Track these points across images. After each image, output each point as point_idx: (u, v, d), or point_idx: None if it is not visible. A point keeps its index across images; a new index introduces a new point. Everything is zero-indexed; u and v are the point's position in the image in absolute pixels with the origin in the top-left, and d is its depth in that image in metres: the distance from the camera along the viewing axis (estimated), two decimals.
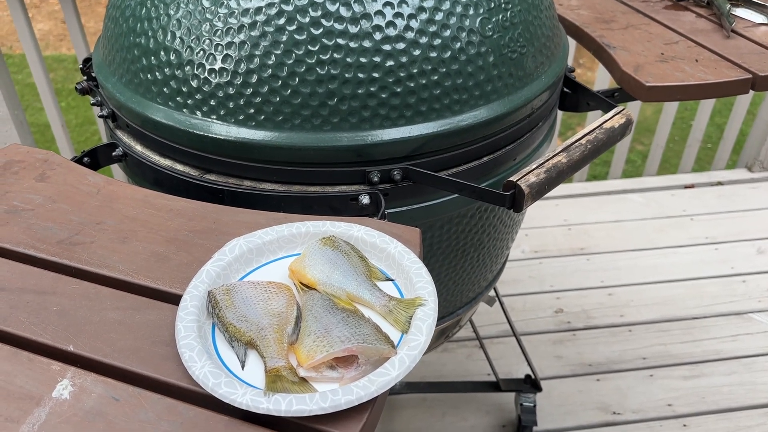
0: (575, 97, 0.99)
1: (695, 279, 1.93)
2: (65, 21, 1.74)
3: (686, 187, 2.28)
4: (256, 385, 0.52)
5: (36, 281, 0.62)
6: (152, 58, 0.79)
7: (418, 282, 0.59)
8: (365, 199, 0.77)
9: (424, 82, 0.75)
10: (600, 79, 2.08)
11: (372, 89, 0.74)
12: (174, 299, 0.60)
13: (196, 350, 0.53)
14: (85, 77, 0.97)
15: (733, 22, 1.06)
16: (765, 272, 1.94)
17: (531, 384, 1.50)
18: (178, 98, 0.77)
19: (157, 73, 0.78)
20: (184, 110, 0.77)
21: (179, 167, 0.81)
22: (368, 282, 0.60)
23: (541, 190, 0.74)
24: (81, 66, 0.98)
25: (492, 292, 1.31)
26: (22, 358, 0.55)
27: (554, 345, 1.75)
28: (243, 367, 0.54)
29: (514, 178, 0.73)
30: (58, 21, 4.41)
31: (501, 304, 1.40)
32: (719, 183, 2.29)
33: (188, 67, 0.76)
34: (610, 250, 2.03)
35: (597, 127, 0.81)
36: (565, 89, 0.99)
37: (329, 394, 0.49)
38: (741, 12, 1.12)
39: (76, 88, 0.94)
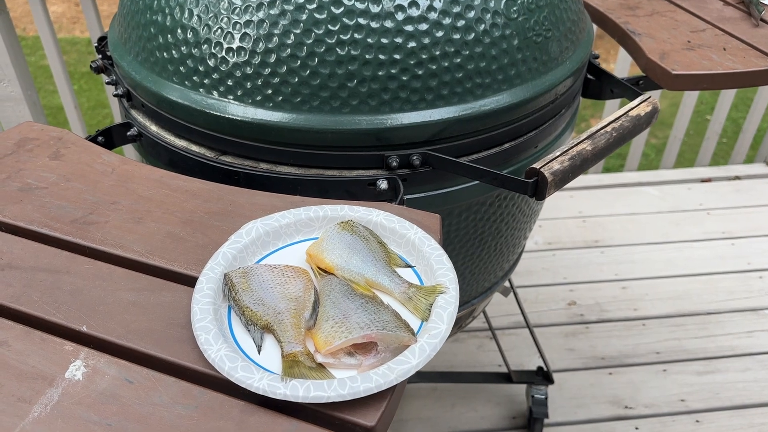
0: (599, 84, 0.96)
1: (711, 274, 1.90)
2: (80, 3, 1.72)
3: (703, 181, 2.25)
4: (273, 370, 0.51)
5: (49, 260, 0.61)
6: (169, 36, 0.77)
7: (439, 269, 0.58)
8: (383, 184, 0.75)
9: (446, 64, 0.73)
10: (618, 71, 2.05)
11: (393, 71, 0.72)
12: (189, 281, 0.59)
13: (212, 333, 0.52)
14: (100, 56, 0.95)
15: (762, 11, 1.03)
16: None
17: (543, 376, 1.48)
18: (194, 77, 0.76)
19: (173, 52, 0.77)
20: (201, 90, 0.76)
21: (195, 148, 0.80)
22: (387, 268, 0.59)
23: (564, 178, 0.72)
24: (96, 45, 0.97)
25: (507, 283, 1.29)
26: (34, 338, 0.54)
27: (566, 338, 1.73)
28: (259, 351, 0.53)
29: (537, 165, 0.71)
30: (71, 4, 4.40)
31: (515, 295, 1.39)
32: (737, 177, 2.26)
33: (205, 45, 0.74)
34: (625, 243, 2.01)
35: (623, 114, 0.79)
36: (589, 76, 0.97)
37: (348, 381, 0.48)
38: None
39: (91, 66, 0.93)
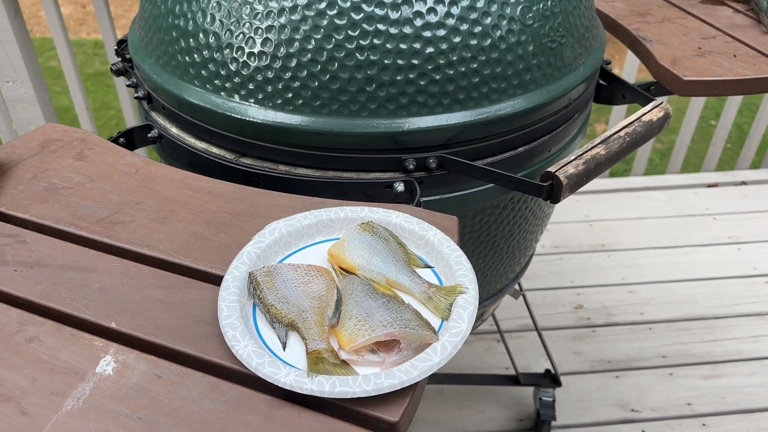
0: (611, 90, 0.98)
1: (717, 279, 1.91)
2: (87, 5, 1.74)
3: (709, 186, 2.26)
4: (298, 367, 0.52)
5: (77, 258, 0.63)
6: (191, 40, 0.79)
7: (459, 269, 0.59)
8: (400, 187, 0.77)
9: (463, 69, 0.75)
10: (625, 77, 2.06)
11: (411, 76, 0.74)
12: (214, 279, 0.61)
13: (239, 330, 0.53)
14: (120, 59, 0.97)
15: None
16: None
17: (551, 379, 1.49)
18: (216, 81, 0.77)
19: (195, 56, 0.78)
20: (222, 93, 0.77)
21: (215, 150, 0.81)
22: (408, 268, 0.60)
23: (579, 181, 0.74)
24: (116, 47, 0.99)
25: (516, 286, 1.30)
26: (65, 334, 0.56)
27: (573, 341, 1.74)
28: (284, 348, 0.54)
29: (552, 169, 0.73)
30: (78, 5, 4.43)
31: (524, 298, 1.40)
32: (743, 182, 2.27)
33: (227, 50, 0.76)
34: (632, 247, 2.02)
35: (636, 119, 0.81)
36: (601, 81, 0.98)
37: (372, 377, 0.49)
38: None
39: (111, 69, 0.94)
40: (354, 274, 0.60)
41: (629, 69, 2.02)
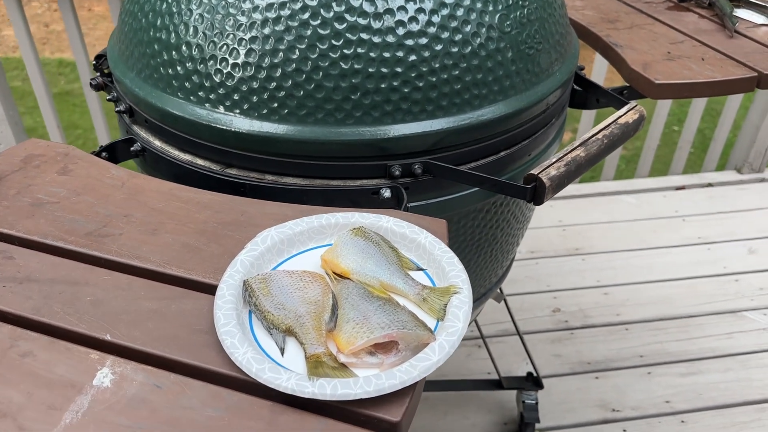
0: (585, 94, 1.00)
1: (689, 278, 1.96)
2: (64, 22, 1.73)
3: (678, 188, 2.31)
4: (297, 372, 0.53)
5: (67, 272, 0.62)
6: (174, 53, 0.79)
7: (451, 271, 0.60)
8: (386, 193, 0.78)
9: (445, 76, 0.76)
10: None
11: (395, 84, 0.75)
12: (208, 289, 0.61)
13: (237, 337, 0.54)
14: (98, 73, 0.97)
15: (736, 23, 1.09)
16: (757, 271, 1.97)
17: (533, 381, 1.51)
18: (200, 93, 0.78)
19: (178, 68, 0.79)
20: (207, 105, 0.78)
21: (200, 162, 0.82)
22: (401, 271, 0.61)
23: (560, 183, 0.75)
24: (94, 62, 0.98)
25: (498, 290, 1.32)
26: (59, 348, 0.55)
27: (552, 344, 1.76)
28: (282, 353, 0.54)
29: (535, 171, 0.75)
30: (40, 24, 4.37)
31: (505, 302, 1.42)
32: (709, 184, 2.33)
33: (211, 61, 0.76)
34: (605, 250, 2.05)
35: (612, 122, 0.83)
36: (576, 86, 1.01)
37: (372, 379, 0.50)
38: (741, 13, 1.14)
39: (90, 84, 0.94)
40: (348, 278, 0.61)
41: (596, 77, 2.07)
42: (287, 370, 0.51)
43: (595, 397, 1.62)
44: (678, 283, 1.94)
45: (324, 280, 0.60)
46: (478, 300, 1.08)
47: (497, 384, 1.52)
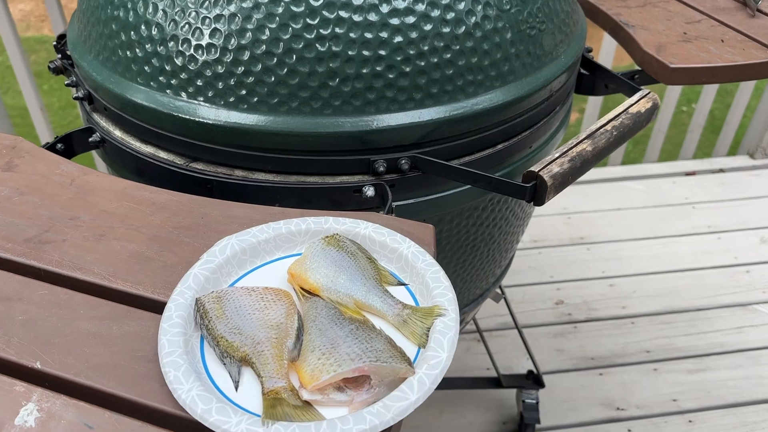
0: (592, 79, 0.92)
1: (698, 269, 1.87)
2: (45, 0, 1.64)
3: (687, 174, 2.22)
4: (253, 410, 0.45)
5: None
6: (132, 33, 0.70)
7: (436, 288, 0.52)
8: (369, 191, 0.70)
9: (435, 60, 0.68)
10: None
11: (378, 68, 0.66)
12: (157, 307, 0.53)
13: (182, 369, 0.46)
14: (59, 55, 0.88)
15: (759, 1, 0.99)
16: None
17: (534, 380, 1.44)
18: (160, 78, 0.69)
19: (137, 50, 0.70)
20: (168, 91, 0.69)
21: (163, 155, 0.73)
22: (378, 287, 0.53)
23: (564, 181, 0.67)
24: (55, 43, 0.90)
25: (498, 289, 1.24)
26: None
27: (555, 338, 1.69)
28: (237, 388, 0.47)
29: (535, 168, 0.66)
30: (39, 1, 4.26)
31: (504, 297, 1.34)
32: (721, 170, 2.24)
33: (172, 42, 0.68)
34: (611, 239, 1.97)
35: (622, 111, 0.74)
36: (582, 71, 0.92)
37: (338, 423, 0.42)
38: None
39: (49, 67, 0.86)
40: (318, 295, 0.53)
41: (604, 59, 1.97)
42: (239, 411, 0.44)
43: (599, 395, 1.55)
44: (687, 275, 1.86)
45: (289, 299, 0.52)
46: (475, 301, 1.00)
47: (496, 382, 1.45)
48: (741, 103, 2.19)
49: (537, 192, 0.67)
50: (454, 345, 0.48)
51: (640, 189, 2.16)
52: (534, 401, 1.42)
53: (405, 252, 0.56)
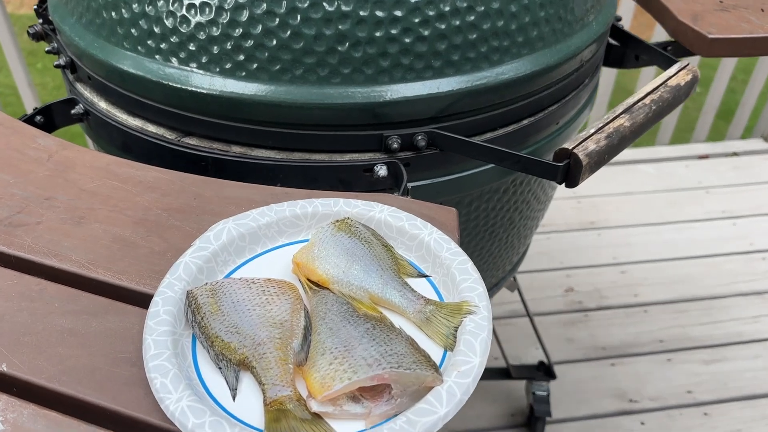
0: (622, 50, 0.84)
1: (713, 256, 1.81)
2: None
3: (700, 157, 2.15)
4: (253, 424, 0.38)
5: None
6: None
7: (464, 281, 0.45)
8: (382, 170, 0.63)
9: (457, 23, 0.60)
10: None
11: (393, 32, 0.59)
12: (142, 300, 0.46)
13: (170, 375, 0.39)
14: (41, 20, 0.81)
15: None
16: None
17: (544, 371, 1.38)
18: (149, 42, 0.62)
19: (123, 11, 0.63)
20: (157, 57, 0.62)
21: (152, 128, 0.66)
22: (397, 279, 0.46)
23: (600, 160, 0.60)
24: (36, 7, 0.82)
25: (512, 278, 1.18)
26: None
27: (565, 327, 1.63)
28: (234, 397, 0.40)
29: (569, 146, 0.59)
30: None
31: (517, 284, 1.27)
32: (735, 154, 2.17)
33: (161, 1, 0.60)
34: (622, 224, 1.91)
35: (661, 84, 0.67)
36: (611, 41, 0.85)
37: None
38: None
39: (28, 32, 0.78)
40: (327, 289, 0.46)
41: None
42: (237, 425, 0.37)
43: (611, 386, 1.49)
44: (701, 261, 1.79)
45: (294, 292, 0.45)
46: (490, 291, 0.93)
47: (505, 373, 1.39)
48: (757, 85, 2.12)
49: (570, 172, 0.60)
50: (488, 348, 0.41)
51: (651, 172, 2.09)
52: (545, 393, 1.36)
53: (427, 239, 0.49)
